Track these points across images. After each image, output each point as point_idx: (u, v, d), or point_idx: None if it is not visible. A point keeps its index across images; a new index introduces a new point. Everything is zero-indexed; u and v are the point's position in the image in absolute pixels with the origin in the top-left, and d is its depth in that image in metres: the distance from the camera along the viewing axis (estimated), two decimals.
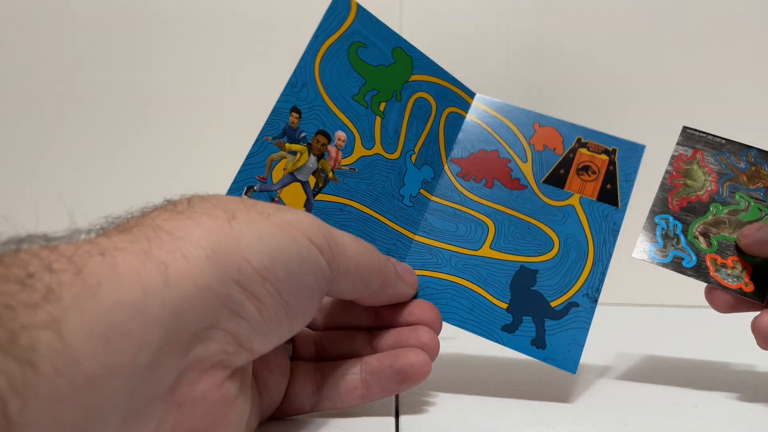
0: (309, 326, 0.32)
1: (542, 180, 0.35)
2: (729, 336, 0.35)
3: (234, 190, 0.30)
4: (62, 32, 0.65)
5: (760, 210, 0.33)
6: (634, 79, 0.64)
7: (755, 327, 0.30)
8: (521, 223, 0.34)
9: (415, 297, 0.32)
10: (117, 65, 0.66)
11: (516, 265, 0.33)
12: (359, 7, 0.33)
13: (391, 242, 0.34)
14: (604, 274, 0.31)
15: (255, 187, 0.31)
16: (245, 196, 0.30)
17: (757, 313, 0.31)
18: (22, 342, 0.16)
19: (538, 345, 0.30)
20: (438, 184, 0.36)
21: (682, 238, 0.32)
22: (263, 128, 0.31)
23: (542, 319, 0.30)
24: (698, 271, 0.32)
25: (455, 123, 0.37)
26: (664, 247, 0.32)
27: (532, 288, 0.31)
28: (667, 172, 0.33)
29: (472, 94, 0.38)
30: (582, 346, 0.30)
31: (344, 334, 0.31)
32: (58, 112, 0.66)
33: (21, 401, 0.15)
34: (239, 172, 0.31)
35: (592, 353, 0.41)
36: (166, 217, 0.22)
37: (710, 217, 0.33)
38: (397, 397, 0.32)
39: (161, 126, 0.66)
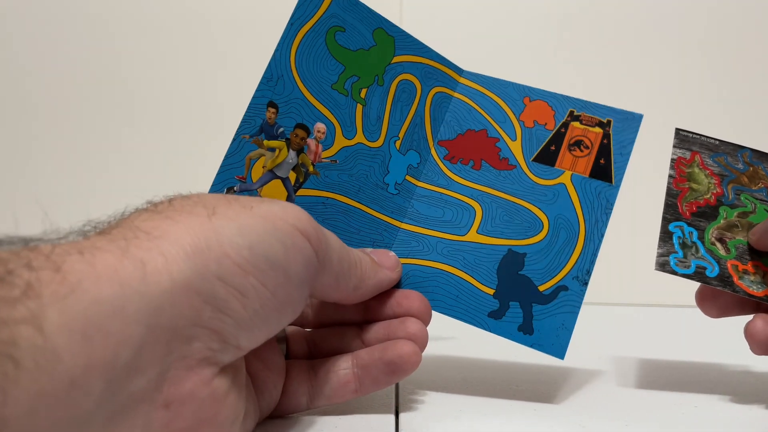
0: (301, 324, 0.32)
1: (532, 158, 0.33)
2: (729, 336, 0.34)
3: (214, 192, 0.30)
4: (39, 32, 0.65)
5: (767, 211, 0.32)
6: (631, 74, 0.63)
7: (748, 332, 0.30)
8: (509, 205, 0.32)
9: (400, 286, 0.32)
10: (96, 67, 0.66)
11: (503, 249, 0.32)
12: None
13: (376, 232, 0.33)
14: (595, 254, 0.30)
15: (235, 188, 0.30)
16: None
17: (750, 317, 0.30)
18: (2, 336, 0.16)
19: (525, 331, 0.29)
20: (424, 169, 0.35)
21: (700, 245, 0.31)
22: (240, 126, 0.30)
23: (530, 304, 0.30)
24: (723, 281, 0.30)
25: (442, 103, 0.36)
26: (685, 257, 0.30)
27: (519, 272, 0.30)
28: (670, 176, 0.32)
29: (459, 71, 0.36)
30: (571, 330, 0.29)
31: (335, 330, 0.31)
32: (38, 115, 0.66)
33: (2, 395, 0.16)
34: (218, 174, 0.30)
35: (592, 353, 0.42)
36: (146, 218, 0.22)
37: (722, 222, 0.32)
38: (396, 396, 0.32)
39: (144, 127, 0.66)
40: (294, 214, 0.24)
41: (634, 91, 0.64)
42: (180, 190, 0.25)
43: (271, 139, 0.31)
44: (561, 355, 0.29)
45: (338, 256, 0.26)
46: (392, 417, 0.30)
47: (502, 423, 0.29)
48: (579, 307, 0.29)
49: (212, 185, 0.30)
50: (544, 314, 0.29)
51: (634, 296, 0.65)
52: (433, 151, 0.35)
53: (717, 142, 0.34)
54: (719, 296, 0.31)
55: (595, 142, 0.32)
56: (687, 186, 0.32)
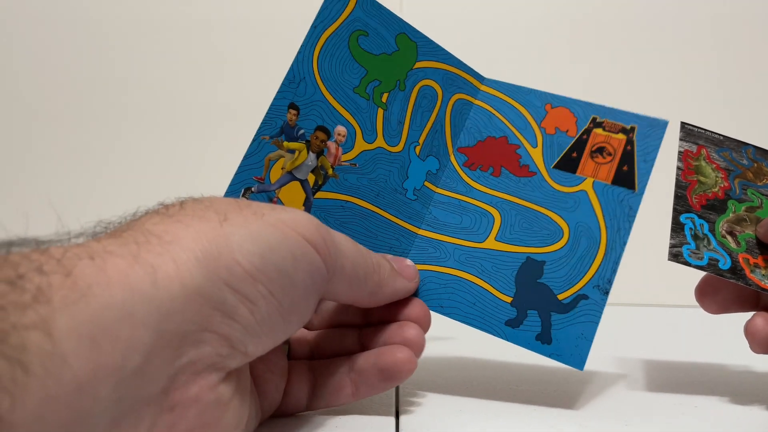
0: (305, 326, 0.32)
1: (553, 165, 0.32)
2: (729, 336, 0.34)
3: (231, 192, 0.30)
4: (53, 33, 0.66)
5: None
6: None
7: (748, 331, 0.29)
8: (529, 213, 0.32)
9: (417, 294, 0.31)
10: (110, 65, 0.66)
11: (522, 256, 0.31)
12: None
13: (393, 237, 0.33)
14: (617, 263, 0.29)
15: (253, 188, 0.30)
16: (241, 198, 0.30)
17: (750, 315, 0.29)
18: (12, 341, 0.16)
19: (543, 340, 0.29)
20: (443, 175, 0.34)
21: (711, 238, 0.30)
22: (260, 127, 0.30)
23: (548, 313, 0.29)
24: (735, 273, 0.30)
25: (463, 110, 0.35)
26: (698, 249, 0.30)
27: (538, 280, 0.30)
28: (678, 168, 0.32)
29: (481, 79, 0.36)
30: (591, 340, 0.28)
31: (336, 333, 0.31)
32: (50, 115, 0.66)
33: (11, 400, 0.16)
34: (236, 174, 0.30)
35: (591, 353, 0.41)
36: (157, 221, 0.22)
37: (731, 215, 0.31)
38: (397, 396, 0.32)
39: (157, 128, 0.66)
40: (303, 224, 0.24)
41: (646, 92, 0.63)
42: (195, 191, 0.25)
43: (291, 141, 0.31)
44: (581, 366, 0.28)
45: (352, 262, 0.26)
46: (392, 417, 0.29)
47: (502, 423, 0.28)
48: (599, 317, 0.28)
49: (230, 185, 0.30)
50: (563, 323, 0.29)
51: (634, 296, 0.65)
52: (452, 158, 0.35)
53: (721, 138, 0.34)
54: (719, 291, 0.31)
55: (618, 149, 0.31)
56: (695, 179, 0.32)
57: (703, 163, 0.32)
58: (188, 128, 0.66)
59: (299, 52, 0.31)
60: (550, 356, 0.29)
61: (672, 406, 0.31)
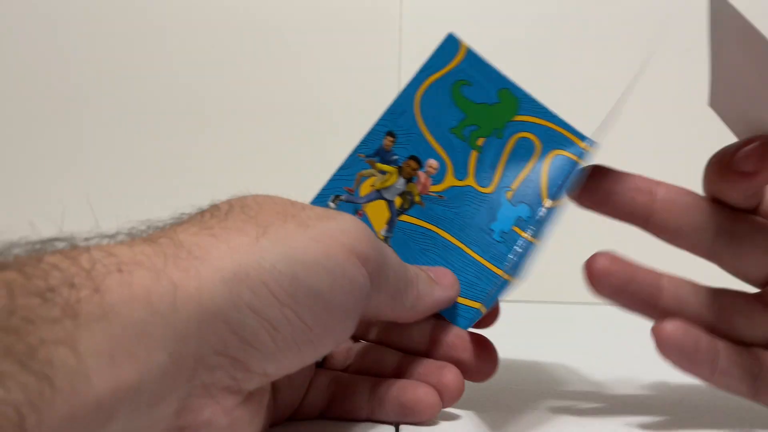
0: (363, 337, 0.31)
1: None
2: None
3: (321, 196, 0.32)
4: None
5: None
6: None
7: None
8: None
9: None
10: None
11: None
12: (469, 49, 0.35)
13: (473, 275, 0.32)
14: None
15: (342, 197, 0.33)
16: (330, 203, 0.32)
17: None
18: (40, 356, 0.16)
19: None
20: (532, 223, 0.34)
21: None
22: (358, 145, 0.33)
23: None
24: None
25: (562, 165, 0.35)
26: None
27: None
28: None
29: (582, 137, 0.36)
30: None
31: (377, 350, 0.30)
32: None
33: (38, 416, 0.15)
34: (329, 181, 0.33)
35: (592, 353, 0.42)
36: (193, 231, 0.22)
37: None
38: None
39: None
40: (354, 235, 0.23)
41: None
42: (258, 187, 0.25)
43: (384, 164, 0.33)
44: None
45: (395, 273, 0.26)
46: None
47: (502, 423, 0.28)
48: None
49: (322, 190, 0.32)
50: None
51: None
52: (545, 209, 0.34)
53: None
54: None
55: None
56: None
57: None
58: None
59: (404, 90, 0.35)
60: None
61: (672, 405, 0.31)
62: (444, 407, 0.28)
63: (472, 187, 0.34)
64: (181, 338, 0.19)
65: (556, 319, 0.54)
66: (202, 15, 0.68)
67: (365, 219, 0.32)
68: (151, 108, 0.67)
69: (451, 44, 0.35)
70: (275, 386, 0.26)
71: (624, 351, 0.43)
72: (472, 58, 0.35)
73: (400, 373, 0.29)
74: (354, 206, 0.33)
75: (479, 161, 0.34)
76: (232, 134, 0.61)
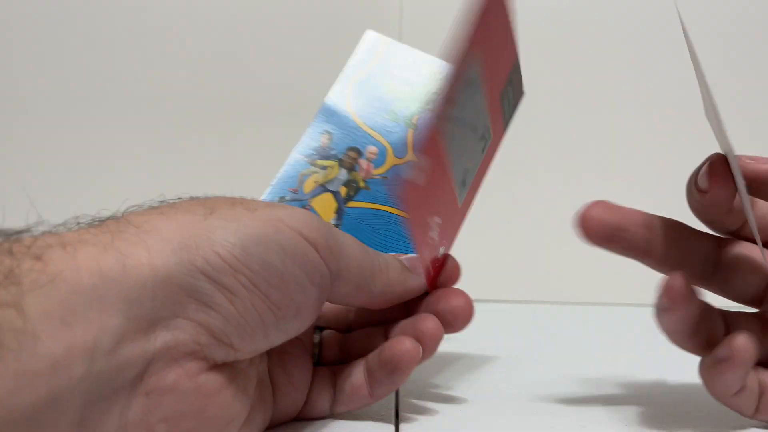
0: (338, 329, 0.30)
1: None
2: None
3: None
4: (40, 28, 0.63)
5: None
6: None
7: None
8: None
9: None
10: (112, 64, 0.63)
11: None
12: (391, 41, 0.37)
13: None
14: None
15: (287, 198, 0.33)
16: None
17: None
18: None
19: None
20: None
21: None
22: (296, 148, 0.35)
23: None
24: None
25: None
26: None
27: None
28: None
29: None
30: None
31: (364, 333, 0.29)
32: (62, 111, 0.63)
33: None
34: (271, 187, 0.33)
35: (592, 353, 0.42)
36: (142, 213, 0.23)
37: None
38: (397, 397, 0.31)
39: (152, 127, 0.63)
40: (302, 220, 0.24)
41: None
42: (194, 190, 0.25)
43: (323, 159, 0.34)
44: None
45: (358, 263, 0.26)
46: (392, 414, 0.29)
47: (502, 423, 0.28)
48: None
49: (265, 196, 0.33)
50: None
51: (634, 296, 0.51)
52: None
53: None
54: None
55: None
56: None
57: None
58: (188, 129, 0.63)
59: (333, 88, 0.36)
60: None
61: (673, 405, 0.31)
62: (425, 356, 0.27)
63: (413, 162, 0.34)
64: (135, 301, 0.20)
65: (556, 320, 0.52)
66: (199, 14, 0.65)
67: (312, 213, 0.33)
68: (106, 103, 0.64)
69: (371, 40, 0.37)
70: (274, 384, 0.26)
71: (623, 351, 0.42)
72: (395, 48, 0.37)
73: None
74: (300, 203, 0.33)
75: (416, 137, 0.35)
76: (229, 134, 0.58)
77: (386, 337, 0.28)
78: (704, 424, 0.28)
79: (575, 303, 0.57)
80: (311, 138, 0.35)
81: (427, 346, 0.26)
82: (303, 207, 0.33)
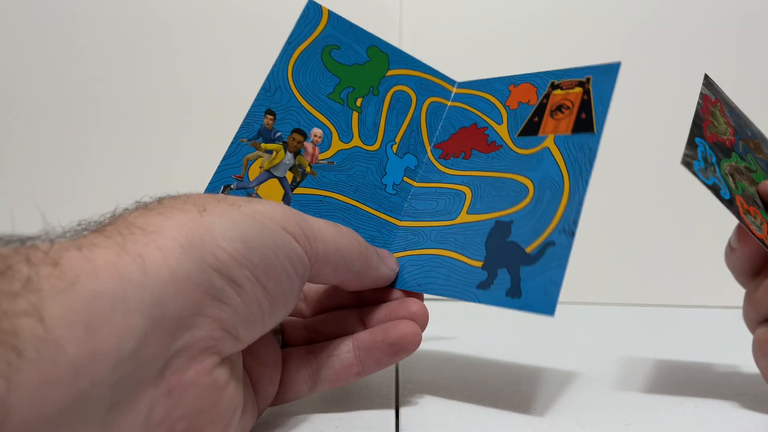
0: (297, 316, 0.32)
1: (517, 134, 0.33)
2: (730, 336, 0.33)
3: (211, 189, 0.32)
4: (33, 33, 0.66)
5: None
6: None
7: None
8: (496, 181, 0.32)
9: (397, 277, 0.31)
10: (90, 66, 0.65)
11: (491, 222, 0.30)
12: (331, 13, 0.35)
13: (374, 230, 0.33)
14: (581, 203, 0.27)
15: (232, 186, 0.32)
16: (220, 194, 0.32)
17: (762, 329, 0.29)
18: (3, 327, 0.16)
19: (513, 295, 0.27)
20: (421, 170, 0.35)
21: (717, 169, 0.30)
22: (238, 131, 0.33)
23: (517, 267, 0.27)
24: (732, 206, 0.29)
25: (438, 111, 0.37)
26: (706, 169, 0.29)
27: (507, 240, 0.29)
28: (698, 104, 0.31)
29: (453, 83, 0.37)
30: (559, 284, 0.26)
31: (335, 315, 0.31)
32: (36, 115, 0.65)
33: (6, 383, 0.16)
34: (216, 173, 0.32)
35: (592, 353, 0.42)
36: (137, 215, 0.23)
37: (734, 163, 0.31)
38: (397, 395, 0.32)
39: (138, 129, 0.66)
40: (280, 214, 0.25)
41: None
42: (172, 191, 0.27)
43: (268, 143, 0.33)
44: (551, 311, 0.26)
45: (335, 246, 0.27)
46: (392, 414, 0.29)
47: (502, 422, 0.28)
48: (567, 260, 0.26)
49: (209, 183, 0.32)
50: (532, 274, 0.27)
51: (634, 296, 0.62)
52: (429, 154, 0.36)
53: (733, 105, 0.34)
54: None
55: (575, 102, 0.31)
56: (710, 119, 0.31)
57: (718, 113, 0.32)
58: (168, 130, 0.66)
59: (275, 65, 0.34)
60: (521, 309, 0.27)
61: (672, 406, 0.31)
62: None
63: (358, 147, 0.35)
64: (158, 302, 0.20)
65: (556, 319, 0.55)
66: (199, 14, 0.66)
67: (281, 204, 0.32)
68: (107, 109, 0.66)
69: (313, 11, 0.35)
70: (249, 372, 0.27)
71: (623, 351, 0.43)
72: (336, 21, 0.36)
73: (366, 324, 0.30)
74: (246, 191, 0.32)
75: (361, 121, 0.35)
76: (228, 134, 0.58)
77: (361, 319, 0.30)
78: (703, 422, 0.29)
79: (575, 303, 0.59)
80: (253, 118, 0.33)
81: (422, 326, 0.29)
82: (249, 195, 0.32)
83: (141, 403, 0.20)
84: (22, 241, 0.20)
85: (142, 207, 0.24)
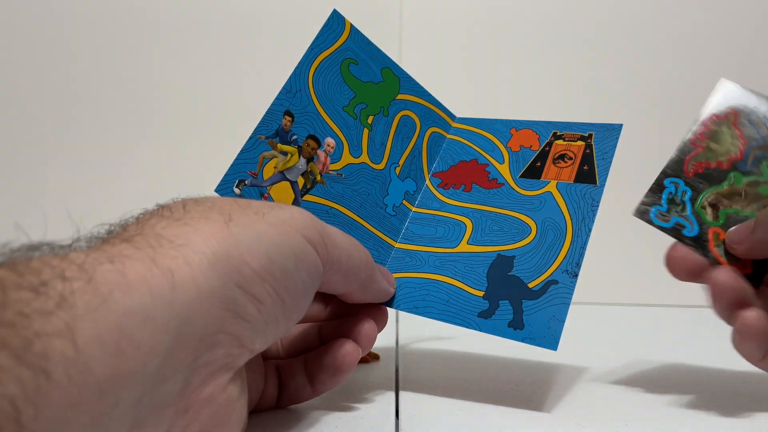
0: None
1: (519, 175, 0.36)
2: (729, 336, 0.33)
3: (226, 181, 0.32)
4: (49, 37, 0.66)
5: None
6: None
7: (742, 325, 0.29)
8: (498, 217, 0.35)
9: (394, 297, 0.33)
10: (112, 70, 0.66)
11: (492, 255, 0.33)
12: (353, 27, 0.37)
13: (373, 247, 0.35)
14: (584, 248, 0.31)
15: (246, 182, 0.32)
16: (237, 196, 0.31)
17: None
18: (35, 349, 0.16)
19: (515, 326, 0.30)
20: (419, 196, 0.37)
21: (688, 206, 0.31)
22: (257, 127, 0.33)
23: (519, 300, 0.30)
24: (698, 243, 0.30)
25: (437, 142, 0.39)
26: (668, 211, 0.30)
27: (508, 273, 0.32)
28: (692, 132, 0.32)
29: (452, 117, 0.40)
30: (562, 321, 0.29)
31: (300, 330, 0.32)
32: (55, 119, 0.67)
33: (34, 409, 0.15)
34: (232, 166, 0.32)
35: (592, 353, 0.42)
36: (165, 225, 0.22)
37: (725, 187, 0.31)
38: (397, 396, 0.32)
39: (153, 128, 0.67)
40: (302, 222, 0.25)
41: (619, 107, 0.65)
42: (188, 188, 0.26)
43: (284, 144, 0.34)
44: (554, 346, 0.29)
45: (347, 253, 0.28)
46: (392, 414, 0.29)
47: (502, 422, 0.28)
48: (570, 299, 0.30)
49: (225, 175, 0.32)
50: (534, 309, 0.30)
51: (633, 296, 0.63)
52: (428, 182, 0.38)
53: (761, 97, 0.33)
54: (688, 258, 0.30)
55: (578, 153, 0.35)
56: (705, 145, 0.31)
57: (724, 129, 0.32)
58: (184, 130, 0.67)
59: (297, 68, 0.35)
60: (523, 341, 0.30)
61: (671, 406, 0.31)
62: (362, 354, 0.29)
63: (366, 164, 0.36)
64: (185, 320, 0.20)
65: None
66: (199, 15, 0.66)
67: (270, 201, 0.33)
68: (135, 114, 0.67)
69: (337, 21, 0.36)
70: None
71: (624, 351, 0.43)
72: (357, 36, 0.37)
73: (324, 340, 0.31)
74: (259, 189, 0.33)
75: (371, 138, 0.37)
76: (227, 134, 0.57)
77: (320, 335, 0.31)
78: (704, 422, 0.29)
79: (575, 303, 0.57)
80: (273, 117, 0.34)
81: (364, 346, 0.30)
82: (261, 194, 0.32)
83: (161, 420, 0.20)
84: (53, 248, 0.20)
85: (167, 214, 0.23)
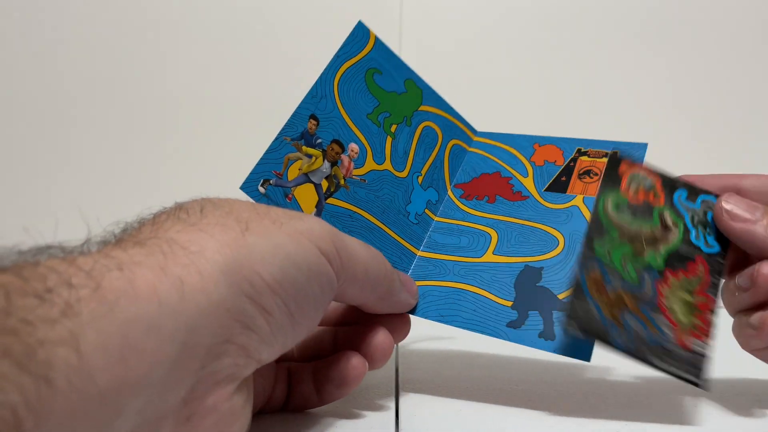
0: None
1: (544, 189, 0.36)
2: (728, 336, 0.33)
3: (251, 180, 0.31)
4: (69, 38, 0.67)
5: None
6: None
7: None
8: (524, 228, 0.35)
9: (417, 305, 0.32)
10: (129, 71, 0.67)
11: (520, 265, 0.33)
12: (377, 39, 0.37)
13: (395, 254, 0.34)
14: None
15: (271, 181, 0.32)
16: (262, 194, 0.31)
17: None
18: (39, 358, 0.16)
19: (547, 337, 0.29)
20: (441, 206, 0.37)
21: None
22: (283, 128, 0.33)
23: (550, 311, 0.30)
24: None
25: (459, 154, 0.39)
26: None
27: (537, 284, 0.31)
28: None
29: (474, 131, 0.40)
30: None
31: (316, 334, 0.31)
32: (70, 119, 0.67)
33: (35, 418, 0.15)
34: (257, 165, 0.32)
35: (593, 352, 0.41)
36: (180, 229, 0.22)
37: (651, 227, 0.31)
38: (397, 396, 0.32)
39: (173, 128, 0.67)
40: (318, 234, 0.25)
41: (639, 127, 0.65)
42: (211, 185, 0.26)
43: (309, 147, 0.34)
44: (587, 357, 0.29)
45: (365, 266, 0.27)
46: (392, 414, 0.29)
47: (502, 423, 0.28)
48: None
49: (250, 173, 0.31)
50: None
51: None
52: (450, 193, 0.38)
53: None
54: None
55: (603, 170, 0.35)
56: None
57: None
58: (206, 130, 0.67)
59: (323, 74, 0.35)
60: (555, 351, 0.29)
61: (671, 405, 0.31)
62: (375, 367, 0.29)
63: (389, 171, 0.36)
64: (192, 329, 0.19)
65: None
66: (198, 15, 0.67)
67: (294, 202, 0.32)
68: (142, 115, 0.68)
69: (361, 32, 0.36)
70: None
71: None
72: (381, 47, 0.37)
73: (338, 346, 0.30)
74: (284, 190, 0.32)
75: (393, 147, 0.36)
76: (228, 136, 0.58)
77: (335, 340, 0.31)
78: (704, 422, 0.29)
79: None
80: (298, 119, 0.34)
81: (376, 360, 0.29)
82: (286, 195, 0.32)
83: (163, 429, 0.20)
84: (63, 250, 0.20)
85: (184, 217, 0.23)
